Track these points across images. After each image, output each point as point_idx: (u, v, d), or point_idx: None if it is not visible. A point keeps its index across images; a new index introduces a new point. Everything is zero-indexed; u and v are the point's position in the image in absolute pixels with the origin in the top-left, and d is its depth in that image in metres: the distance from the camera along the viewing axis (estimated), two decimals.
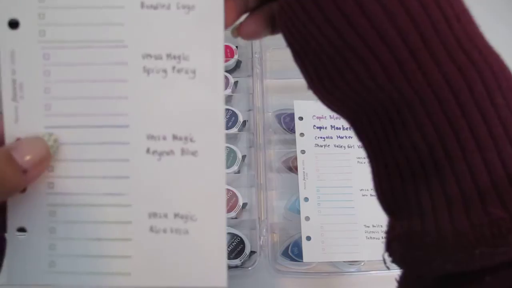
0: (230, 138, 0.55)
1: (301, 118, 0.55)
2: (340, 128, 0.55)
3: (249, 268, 0.48)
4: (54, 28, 0.23)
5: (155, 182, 0.23)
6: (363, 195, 0.52)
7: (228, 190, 0.51)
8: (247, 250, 0.48)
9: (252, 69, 0.58)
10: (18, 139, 0.22)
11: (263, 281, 0.49)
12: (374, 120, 0.21)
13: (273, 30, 0.26)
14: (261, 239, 0.49)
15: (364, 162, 0.53)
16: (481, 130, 0.19)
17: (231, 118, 0.55)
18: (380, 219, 0.52)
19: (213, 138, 0.23)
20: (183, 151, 0.23)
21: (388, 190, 0.22)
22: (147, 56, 0.23)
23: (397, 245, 0.21)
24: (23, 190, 0.23)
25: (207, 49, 0.23)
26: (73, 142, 0.23)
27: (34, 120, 0.23)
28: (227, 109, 0.55)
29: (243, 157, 0.53)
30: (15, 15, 0.22)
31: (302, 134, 0.54)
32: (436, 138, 0.19)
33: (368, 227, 0.51)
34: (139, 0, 0.23)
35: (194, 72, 0.23)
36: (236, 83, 0.58)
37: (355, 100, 0.21)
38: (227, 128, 0.54)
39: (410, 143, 0.20)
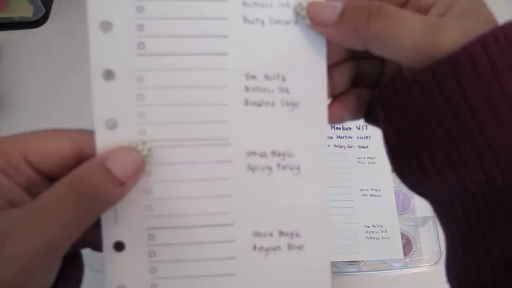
0: None
1: None
2: (340, 128, 0.55)
3: None
4: (154, 127, 0.22)
5: (263, 277, 0.23)
6: (363, 195, 0.52)
7: None
8: None
9: None
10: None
11: None
12: (470, 210, 0.20)
13: (359, 116, 0.25)
14: None
15: (364, 162, 0.54)
16: None
17: None
18: (380, 219, 0.52)
19: (319, 231, 0.23)
20: (289, 246, 0.23)
21: (472, 277, 0.21)
22: (252, 153, 0.23)
23: None
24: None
25: (311, 145, 0.23)
26: (176, 243, 0.23)
27: (134, 215, 0.22)
28: None
29: None
30: (113, 116, 0.21)
31: None
32: None
33: (368, 227, 0.51)
34: (243, 97, 0.22)
35: (298, 168, 0.23)
36: None
37: (455, 188, 0.20)
38: None
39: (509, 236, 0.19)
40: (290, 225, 0.23)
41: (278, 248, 0.23)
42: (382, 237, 0.51)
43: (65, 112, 0.59)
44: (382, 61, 0.24)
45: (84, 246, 0.23)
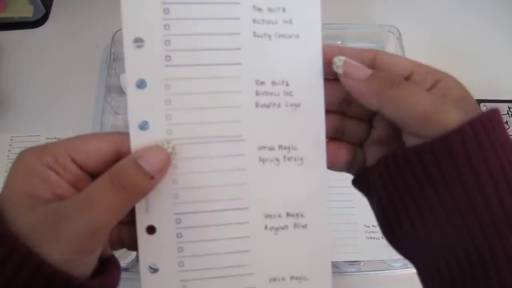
0: None
1: None
2: None
3: None
4: (179, 127, 0.25)
5: (273, 252, 0.27)
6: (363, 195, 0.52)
7: None
8: None
9: None
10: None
11: None
12: (454, 270, 0.22)
13: (335, 165, 0.28)
14: None
15: None
16: None
17: None
18: None
19: (319, 212, 0.27)
20: (295, 225, 0.27)
21: None
22: (262, 147, 0.26)
23: None
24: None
25: (311, 139, 0.26)
26: (200, 225, 0.26)
27: (163, 202, 0.25)
28: None
29: None
30: (145, 119, 0.25)
31: None
32: None
33: (368, 227, 0.51)
34: (254, 100, 0.26)
35: (301, 159, 0.27)
36: None
37: (444, 249, 0.23)
38: None
39: None
40: (296, 207, 0.27)
41: (285, 227, 0.27)
42: (382, 237, 0.51)
43: (65, 112, 0.59)
44: (368, 125, 0.28)
45: (121, 247, 0.27)
